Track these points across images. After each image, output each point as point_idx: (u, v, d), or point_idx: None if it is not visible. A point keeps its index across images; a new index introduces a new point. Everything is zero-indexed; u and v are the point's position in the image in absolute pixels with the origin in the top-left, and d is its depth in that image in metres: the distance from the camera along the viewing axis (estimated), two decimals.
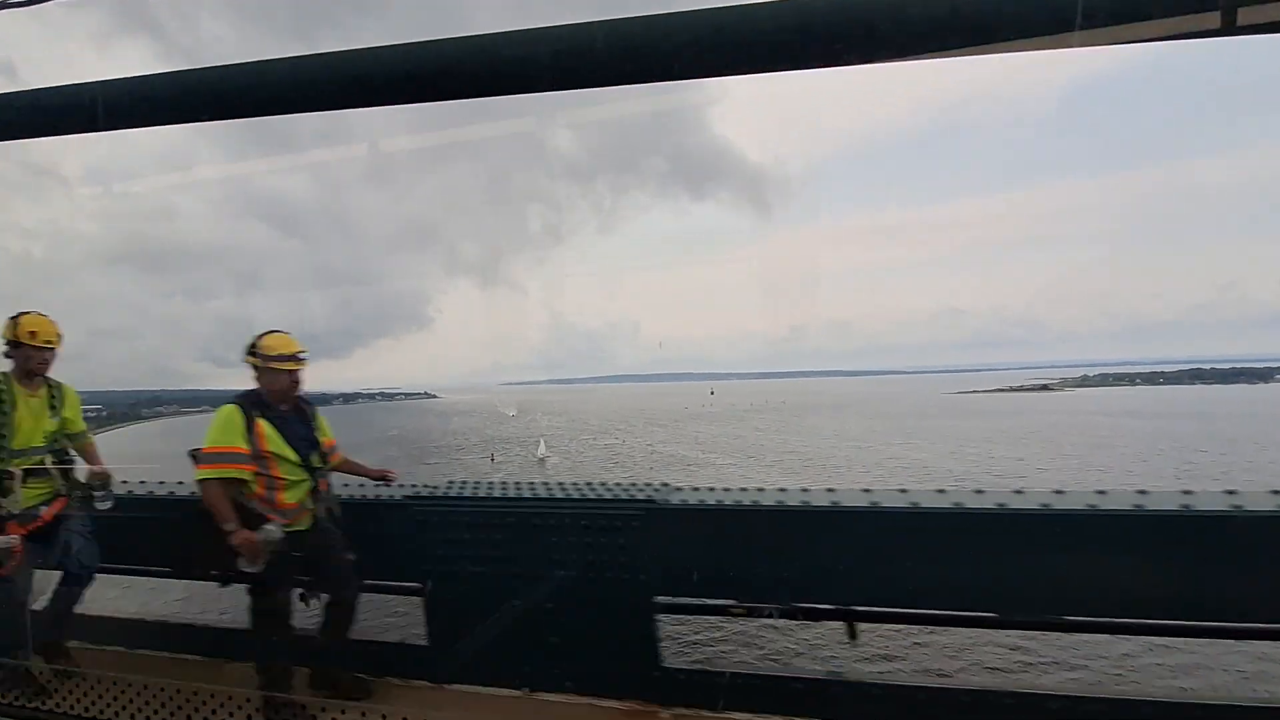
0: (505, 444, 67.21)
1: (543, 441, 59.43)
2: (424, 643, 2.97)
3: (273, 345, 2.87)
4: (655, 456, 57.51)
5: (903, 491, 2.43)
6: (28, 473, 2.98)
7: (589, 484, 2.81)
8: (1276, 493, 2.15)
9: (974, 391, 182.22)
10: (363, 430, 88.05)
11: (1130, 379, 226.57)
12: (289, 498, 2.85)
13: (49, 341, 3.05)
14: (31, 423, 3.03)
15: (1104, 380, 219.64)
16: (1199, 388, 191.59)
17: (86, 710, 2.03)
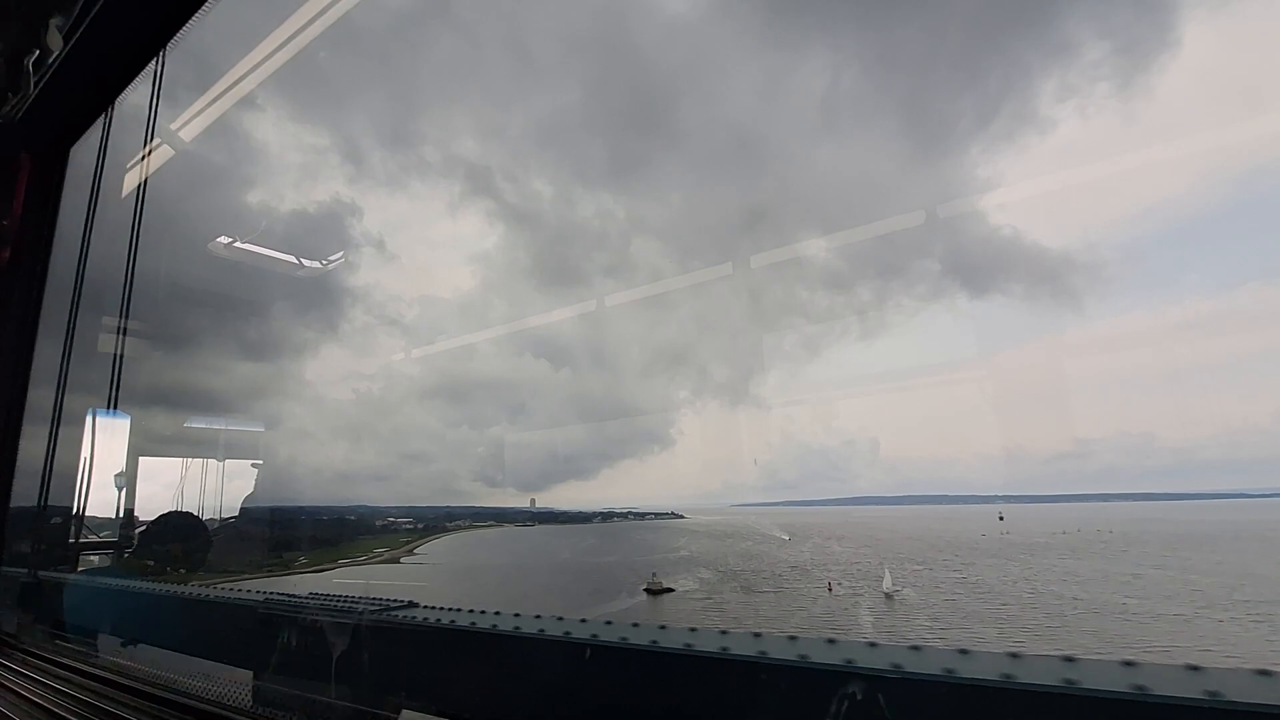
0: (831, 570, 61.04)
1: (888, 573, 52.30)
2: None
3: None
4: (1049, 600, 45.93)
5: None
6: None
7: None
8: None
9: None
10: (649, 550, 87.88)
11: None
12: None
13: None
14: None
15: None
16: None
17: None
